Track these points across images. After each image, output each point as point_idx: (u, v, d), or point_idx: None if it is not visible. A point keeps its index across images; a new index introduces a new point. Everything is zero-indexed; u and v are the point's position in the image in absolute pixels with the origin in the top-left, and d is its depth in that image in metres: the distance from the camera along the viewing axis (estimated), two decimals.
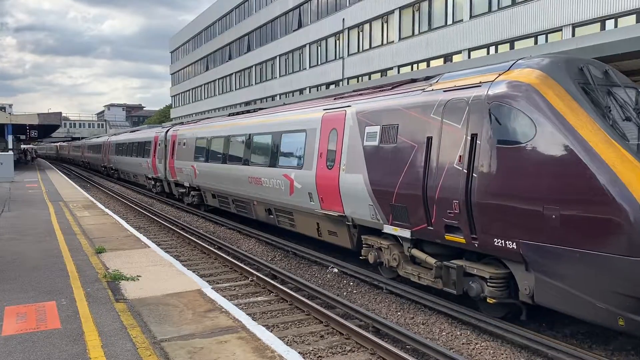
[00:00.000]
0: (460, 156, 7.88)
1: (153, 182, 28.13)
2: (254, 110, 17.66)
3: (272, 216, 14.61)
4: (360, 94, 11.33)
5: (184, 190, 22.35)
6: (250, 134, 15.63)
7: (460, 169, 7.86)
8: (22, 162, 62.06)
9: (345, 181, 10.73)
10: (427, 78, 9.83)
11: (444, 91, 8.59)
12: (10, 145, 37.53)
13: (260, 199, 14.97)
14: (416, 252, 9.12)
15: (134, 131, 40.97)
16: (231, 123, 17.79)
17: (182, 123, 26.54)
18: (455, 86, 8.45)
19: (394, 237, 9.75)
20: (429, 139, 8.55)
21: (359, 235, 10.87)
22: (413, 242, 9.19)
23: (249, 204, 15.94)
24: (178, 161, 22.48)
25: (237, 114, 19.17)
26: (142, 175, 30.61)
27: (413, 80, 10.23)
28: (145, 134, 31.18)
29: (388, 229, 9.62)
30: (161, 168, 25.38)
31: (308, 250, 13.36)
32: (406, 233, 9.12)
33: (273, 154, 14.05)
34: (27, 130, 42.13)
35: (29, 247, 11.68)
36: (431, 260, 8.65)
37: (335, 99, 12.43)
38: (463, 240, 7.96)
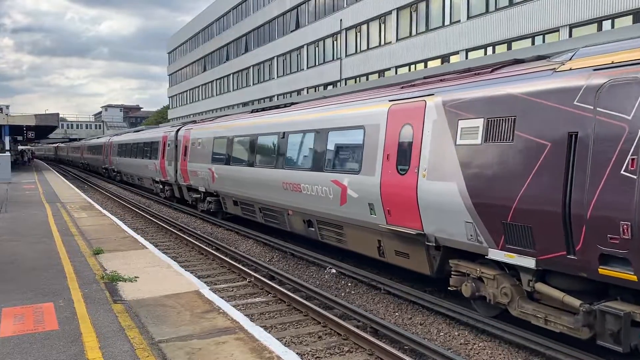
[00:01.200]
0: (634, 160, 5.77)
1: (161, 186, 26.12)
2: (286, 105, 15.40)
3: (312, 229, 12.47)
4: (442, 80, 9.06)
5: (198, 195, 20.27)
6: (284, 132, 13.46)
7: (634, 177, 5.74)
8: (20, 163, 61.92)
9: (428, 190, 8.45)
10: (539, 58, 8.04)
11: (595, 70, 6.37)
12: (7, 147, 37.44)
13: (297, 208, 12.76)
14: (544, 288, 6.98)
15: (139, 131, 38.40)
16: (259, 120, 15.47)
17: (194, 121, 24.04)
18: (614, 62, 6.21)
19: (502, 265, 7.68)
20: (573, 136, 6.37)
21: (443, 259, 8.67)
22: (537, 273, 7.06)
23: (281, 213, 13.75)
24: (192, 163, 20.29)
25: (264, 109, 16.70)
26: (148, 178, 28.53)
27: (518, 61, 8.28)
28: (152, 133, 29.04)
29: (496, 254, 7.39)
30: (171, 171, 23.28)
31: (306, 251, 13.36)
32: (528, 262, 6.93)
33: (317, 156, 11.87)
34: (24, 131, 41.99)
35: (27, 248, 11.66)
36: (574, 302, 6.53)
37: (402, 87, 10.01)
38: (634, 278, 5.82)
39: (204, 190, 19.46)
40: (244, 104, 56.29)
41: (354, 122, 10.74)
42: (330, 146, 11.52)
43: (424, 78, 10.15)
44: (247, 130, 15.88)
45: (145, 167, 28.43)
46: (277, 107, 16.03)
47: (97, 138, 58.45)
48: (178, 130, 23.17)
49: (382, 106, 9.95)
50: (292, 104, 15.44)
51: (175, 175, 22.88)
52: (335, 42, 43.19)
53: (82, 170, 58.81)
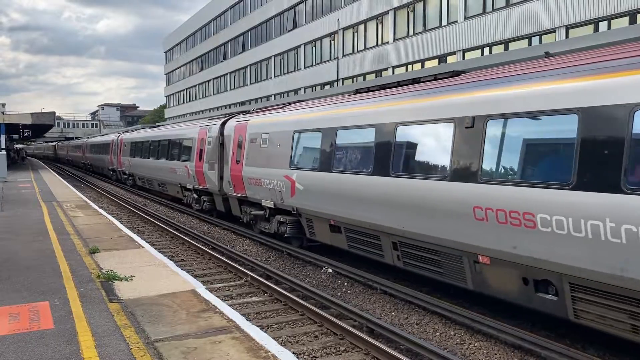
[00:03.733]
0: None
1: (196, 196, 20.61)
2: (455, 74, 9.41)
3: (552, 297, 7.01)
4: None
5: (261, 212, 14.95)
6: (488, 118, 7.72)
7: None
8: (17, 162, 61.80)
9: None
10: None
11: None
12: (3, 145, 37.33)
13: (505, 255, 7.39)
14: None
15: (158, 126, 32.11)
16: (399, 103, 9.72)
17: (246, 111, 18.36)
18: None
19: None
20: None
21: None
22: None
23: (459, 259, 8.33)
24: (251, 168, 15.12)
25: (397, 85, 10.63)
26: (174, 184, 22.99)
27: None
28: (180, 128, 23.23)
29: None
30: (213, 177, 18.12)
31: (302, 250, 13.36)
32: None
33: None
34: (20, 129, 41.86)
35: (22, 247, 11.62)
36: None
37: None
38: None
39: (271, 206, 14.14)
40: (241, 103, 56.28)
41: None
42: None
43: None
44: (365, 119, 10.52)
45: (171, 171, 22.93)
46: (434, 77, 9.84)
47: (102, 135, 51.51)
48: (224, 122, 17.97)
49: None
50: (457, 72, 9.51)
51: (219, 183, 17.81)
52: (332, 42, 43.21)
53: (86, 172, 53.46)
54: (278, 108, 15.27)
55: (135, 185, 32.18)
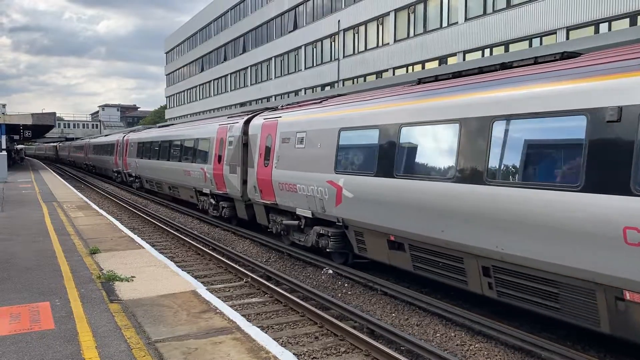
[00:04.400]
0: None
1: (213, 202, 18.80)
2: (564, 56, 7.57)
3: None
4: None
5: (296, 222, 13.05)
6: None
7: None
8: (17, 162, 61.84)
9: None
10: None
11: None
12: (3, 145, 37.34)
13: None
14: None
15: (168, 126, 30.30)
16: (525, 86, 7.30)
17: (274, 108, 15.92)
18: None
19: None
20: None
21: None
22: None
23: (591, 293, 6.40)
24: (284, 171, 13.24)
25: (479, 71, 8.88)
26: (188, 188, 21.37)
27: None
28: (197, 127, 21.19)
29: None
30: (234, 181, 16.42)
31: (303, 251, 13.35)
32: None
33: None
34: (20, 130, 41.88)
35: (23, 247, 11.62)
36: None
37: None
38: None
39: (308, 216, 12.28)
40: (241, 104, 56.31)
41: None
42: None
43: None
44: (442, 113, 8.58)
45: (184, 173, 21.29)
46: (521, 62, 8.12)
47: (106, 135, 48.97)
48: (248, 120, 16.18)
49: None
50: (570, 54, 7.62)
51: (243, 188, 15.97)
52: (333, 43, 43.23)
53: (86, 172, 52.47)
54: (314, 103, 13.28)
55: (142, 188, 30.56)
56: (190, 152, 20.64)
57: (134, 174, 31.34)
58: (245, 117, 16.44)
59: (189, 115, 69.64)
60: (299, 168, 12.48)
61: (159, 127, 32.28)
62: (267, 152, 14.15)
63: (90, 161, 49.25)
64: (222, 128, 17.73)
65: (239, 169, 16.03)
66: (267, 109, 16.90)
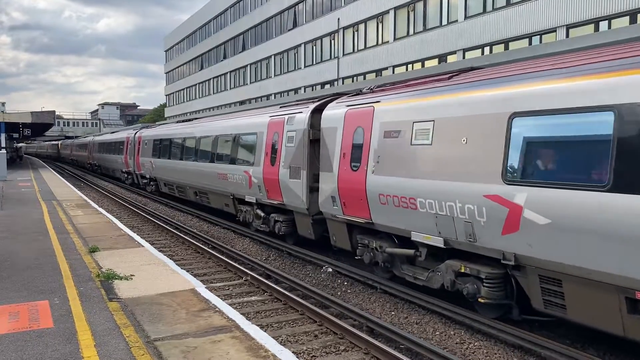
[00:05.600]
0: None
1: (261, 213, 14.81)
2: None
3: None
4: None
5: (411, 251, 9.34)
6: None
7: None
8: (16, 161, 61.82)
9: None
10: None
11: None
12: (2, 144, 37.30)
13: None
14: None
15: (188, 120, 25.52)
16: None
17: (358, 92, 11.71)
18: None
19: None
20: None
21: None
22: None
23: None
24: (388, 178, 9.50)
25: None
26: (224, 195, 17.39)
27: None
28: (236, 120, 17.20)
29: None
30: (297, 188, 12.71)
31: (302, 249, 13.34)
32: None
33: None
34: (20, 128, 41.85)
35: (22, 246, 11.61)
36: None
37: None
38: None
39: (439, 245, 8.52)
40: (241, 103, 56.26)
41: None
42: None
43: None
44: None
45: (218, 177, 17.49)
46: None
47: (113, 132, 44.91)
48: (318, 108, 12.54)
49: None
50: None
51: (309, 198, 12.41)
52: (332, 41, 43.20)
53: (85, 171, 50.49)
54: (437, 80, 9.34)
55: (157, 192, 26.66)
56: (227, 150, 16.99)
57: (148, 176, 27.46)
58: (312, 106, 12.72)
59: (188, 114, 69.56)
60: (421, 175, 8.75)
61: (180, 122, 27.16)
62: (357, 151, 10.55)
63: (94, 160, 45.62)
64: (277, 120, 13.99)
65: (304, 172, 12.46)
66: (337, 94, 13.04)
